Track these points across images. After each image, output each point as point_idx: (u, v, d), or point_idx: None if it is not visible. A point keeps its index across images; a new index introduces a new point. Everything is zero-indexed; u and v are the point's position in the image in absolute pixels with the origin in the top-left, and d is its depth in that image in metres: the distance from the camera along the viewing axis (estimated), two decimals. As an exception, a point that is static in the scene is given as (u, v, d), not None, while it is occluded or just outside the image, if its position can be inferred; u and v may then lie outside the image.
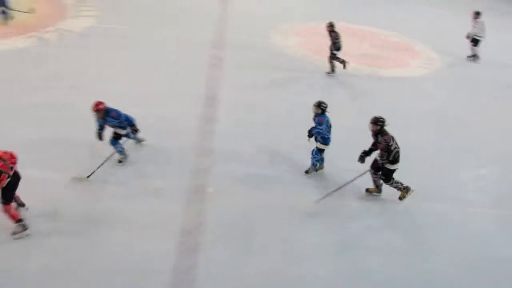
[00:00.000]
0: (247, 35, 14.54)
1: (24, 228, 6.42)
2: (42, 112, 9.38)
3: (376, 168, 7.56)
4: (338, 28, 12.03)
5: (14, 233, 6.37)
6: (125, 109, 9.34)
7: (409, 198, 7.76)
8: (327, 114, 7.84)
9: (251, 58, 13.12)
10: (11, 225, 6.29)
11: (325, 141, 7.88)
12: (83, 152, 8.29)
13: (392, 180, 7.55)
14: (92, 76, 11.19)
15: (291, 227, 7.09)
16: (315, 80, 12.30)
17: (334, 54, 12.18)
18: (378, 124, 7.18)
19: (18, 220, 6.36)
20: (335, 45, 12.01)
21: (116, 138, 7.95)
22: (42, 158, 7.95)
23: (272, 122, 9.85)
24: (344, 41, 12.06)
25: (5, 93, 10.07)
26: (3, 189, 6.14)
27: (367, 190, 7.95)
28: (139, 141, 8.60)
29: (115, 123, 7.78)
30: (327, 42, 12.09)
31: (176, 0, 17.86)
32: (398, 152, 7.21)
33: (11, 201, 6.32)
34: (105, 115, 7.70)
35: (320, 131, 7.73)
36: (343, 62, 12.30)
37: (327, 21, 12.10)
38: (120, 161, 8.12)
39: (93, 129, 8.12)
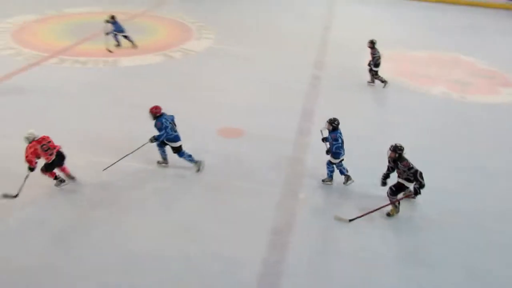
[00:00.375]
0: (344, 58, 14.37)
1: (62, 181, 7.37)
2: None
3: (399, 188, 7.08)
4: (425, 54, 11.43)
5: (55, 185, 7.35)
6: (233, 117, 9.65)
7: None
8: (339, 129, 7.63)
9: (346, 78, 12.93)
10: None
11: (336, 155, 7.65)
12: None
13: (396, 196, 7.11)
14: (207, 88, 11.68)
15: (368, 236, 6.85)
16: (403, 102, 11.77)
17: (376, 71, 12.14)
18: (397, 152, 6.86)
19: (55, 177, 7.29)
20: (374, 61, 11.99)
21: (176, 151, 7.85)
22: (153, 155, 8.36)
23: (360, 137, 9.60)
24: (435, 67, 11.42)
25: (133, 98, 10.84)
26: (47, 164, 7.10)
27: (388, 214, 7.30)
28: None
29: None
30: (418, 68, 11.57)
31: (282, 25, 18.18)
32: (421, 172, 6.75)
33: (49, 172, 7.22)
34: (154, 118, 7.61)
35: (339, 145, 7.54)
36: (373, 80, 12.45)
37: (410, 48, 11.71)
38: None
39: (200, 133, 8.51)
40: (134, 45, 14.43)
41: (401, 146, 6.89)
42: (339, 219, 7.05)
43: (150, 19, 18.12)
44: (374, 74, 12.27)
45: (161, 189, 7.66)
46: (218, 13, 19.86)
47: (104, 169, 7.65)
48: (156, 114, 7.60)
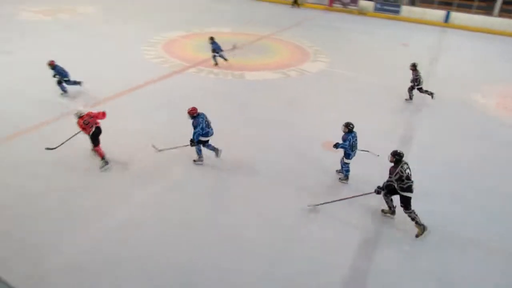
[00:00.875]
0: (450, 89, 13.42)
1: (106, 162, 7.86)
2: (271, 125, 10.16)
3: (389, 191, 6.74)
4: None
5: (101, 167, 7.83)
6: (336, 133, 9.47)
7: None
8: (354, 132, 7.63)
9: (449, 109, 12.05)
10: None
11: (347, 156, 7.72)
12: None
13: (410, 209, 6.56)
14: (316, 105, 11.67)
15: (449, 257, 6.31)
16: (504, 138, 10.61)
17: (420, 88, 12.13)
18: (395, 157, 6.46)
19: (103, 157, 7.80)
20: (416, 81, 11.97)
21: (197, 143, 8.04)
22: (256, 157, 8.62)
23: (459, 167, 8.89)
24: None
25: (251, 108, 11.21)
26: (92, 137, 7.73)
27: (383, 211, 7.15)
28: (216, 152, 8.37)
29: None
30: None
31: (391, 55, 17.53)
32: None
33: (98, 145, 7.79)
34: (192, 118, 7.77)
35: (345, 146, 7.54)
36: (421, 93, 12.33)
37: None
38: (194, 160, 8.25)
39: (306, 144, 8.48)
40: (225, 60, 14.54)
41: (401, 153, 6.47)
42: (311, 205, 7.12)
43: (274, 41, 18.62)
44: (410, 89, 12.24)
45: (266, 189, 7.79)
46: (334, 40, 19.80)
47: (160, 150, 8.48)
48: (193, 114, 7.79)
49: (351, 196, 7.20)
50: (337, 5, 28.50)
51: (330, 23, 23.98)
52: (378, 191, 6.72)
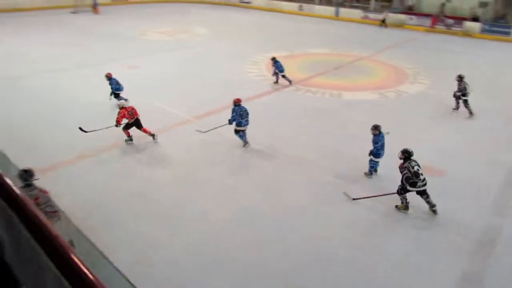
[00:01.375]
0: None
1: (131, 140, 9.13)
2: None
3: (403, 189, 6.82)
4: None
5: (126, 140, 9.11)
6: (435, 157, 8.74)
7: None
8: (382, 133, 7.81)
9: None
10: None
11: (377, 155, 7.84)
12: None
13: (402, 194, 6.88)
14: (413, 126, 10.83)
15: None
16: None
17: (466, 100, 11.41)
18: (404, 154, 6.77)
19: (128, 135, 9.10)
20: (461, 91, 11.39)
21: (236, 132, 9.02)
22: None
23: None
24: None
25: (347, 126, 10.77)
26: (130, 124, 8.97)
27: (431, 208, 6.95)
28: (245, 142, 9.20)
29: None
30: None
31: (502, 78, 15.69)
32: (409, 177, 6.58)
33: (128, 129, 9.04)
34: (234, 106, 8.88)
35: (377, 147, 7.73)
36: (457, 107, 11.85)
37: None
38: (244, 145, 9.11)
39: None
40: (290, 83, 13.99)
41: (411, 152, 6.73)
42: (346, 195, 7.24)
43: (372, 62, 17.89)
44: (462, 102, 11.55)
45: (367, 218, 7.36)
46: (435, 62, 18.34)
47: (204, 131, 9.43)
48: (236, 103, 8.91)
49: (389, 193, 7.07)
50: (440, 27, 26.50)
51: (431, 45, 22.37)
52: (398, 192, 6.85)
